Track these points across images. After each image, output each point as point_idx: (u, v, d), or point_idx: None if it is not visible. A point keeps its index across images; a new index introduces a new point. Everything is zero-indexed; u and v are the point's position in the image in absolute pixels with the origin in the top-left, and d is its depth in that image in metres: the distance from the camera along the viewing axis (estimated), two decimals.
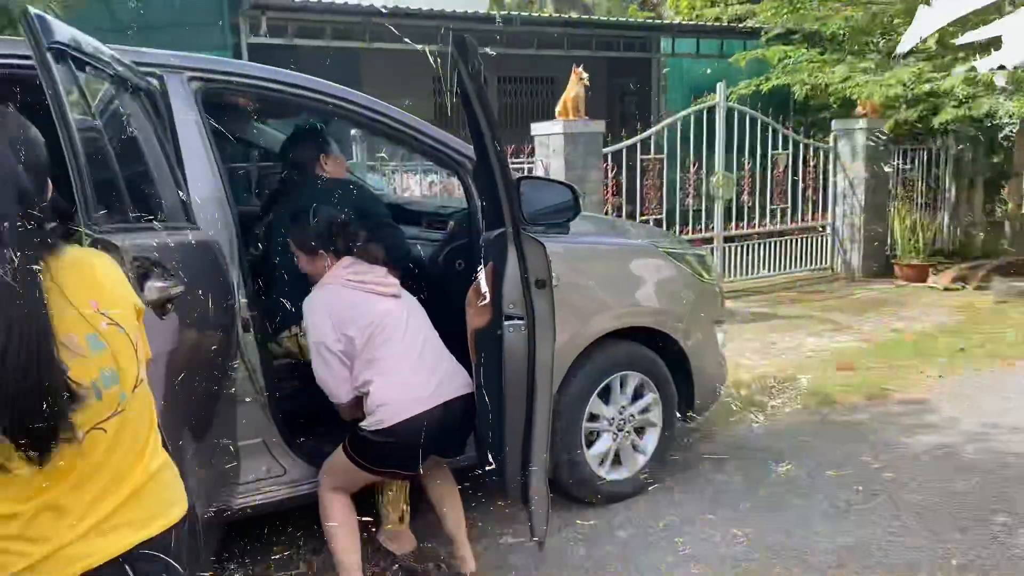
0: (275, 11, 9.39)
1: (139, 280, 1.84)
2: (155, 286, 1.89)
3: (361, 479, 2.95)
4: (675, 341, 3.93)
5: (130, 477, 1.48)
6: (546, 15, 14.41)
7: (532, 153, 8.14)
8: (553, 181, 3.33)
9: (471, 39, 2.39)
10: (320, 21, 9.73)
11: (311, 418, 3.42)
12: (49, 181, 1.53)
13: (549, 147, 7.93)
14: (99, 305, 1.44)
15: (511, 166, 7.93)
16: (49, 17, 1.90)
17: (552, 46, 11.08)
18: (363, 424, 2.83)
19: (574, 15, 15.35)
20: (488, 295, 2.57)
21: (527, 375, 2.48)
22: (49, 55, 1.83)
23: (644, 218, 8.73)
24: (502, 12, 12.10)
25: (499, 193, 2.48)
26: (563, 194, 3.24)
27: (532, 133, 8.15)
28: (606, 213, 8.21)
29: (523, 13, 13.35)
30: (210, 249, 2.74)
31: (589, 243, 3.72)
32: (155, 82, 2.83)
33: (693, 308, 4.00)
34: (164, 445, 1.58)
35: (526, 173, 8.10)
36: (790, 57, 10.17)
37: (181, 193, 2.67)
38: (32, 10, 1.83)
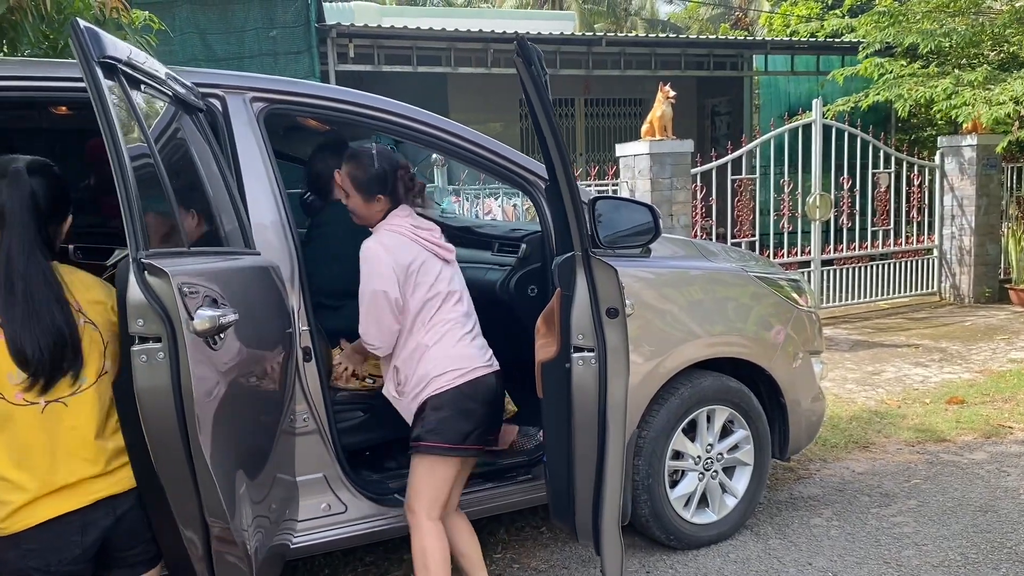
0: (361, 38, 9.48)
1: (188, 307, 1.72)
2: (206, 314, 1.76)
3: (449, 478, 2.71)
4: (768, 373, 3.65)
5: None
6: (635, 36, 14.20)
7: (617, 175, 7.91)
8: (632, 202, 3.10)
9: (535, 46, 2.21)
10: (406, 47, 9.77)
11: (377, 452, 3.28)
12: (70, 215, 1.99)
13: (635, 168, 7.69)
14: (80, 306, 1.88)
15: (594, 188, 7.77)
16: (100, 31, 1.80)
17: (640, 67, 10.86)
18: (433, 390, 2.68)
19: (664, 35, 15.07)
20: (556, 324, 2.36)
21: (598, 413, 2.25)
22: (98, 69, 1.73)
23: (736, 241, 8.39)
24: (589, 34, 11.93)
25: (567, 213, 2.28)
26: (643, 215, 3.02)
27: (617, 154, 7.93)
28: (695, 236, 7.91)
29: (611, 34, 13.15)
30: (268, 274, 2.63)
31: (674, 267, 3.47)
32: (217, 103, 2.75)
33: (787, 337, 3.70)
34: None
35: (611, 194, 7.88)
36: (889, 71, 9.65)
37: (239, 217, 2.57)
38: (81, 23, 1.73)
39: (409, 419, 2.78)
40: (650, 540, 3.52)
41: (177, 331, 1.66)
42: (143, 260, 1.66)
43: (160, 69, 2.15)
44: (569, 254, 2.35)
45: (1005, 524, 3.66)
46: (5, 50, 4.34)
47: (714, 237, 8.08)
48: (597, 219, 3.02)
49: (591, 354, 2.25)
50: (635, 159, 7.68)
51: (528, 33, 10.26)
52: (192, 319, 1.72)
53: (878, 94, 9.40)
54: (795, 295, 3.83)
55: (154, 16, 5.61)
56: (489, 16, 17.00)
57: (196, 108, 2.51)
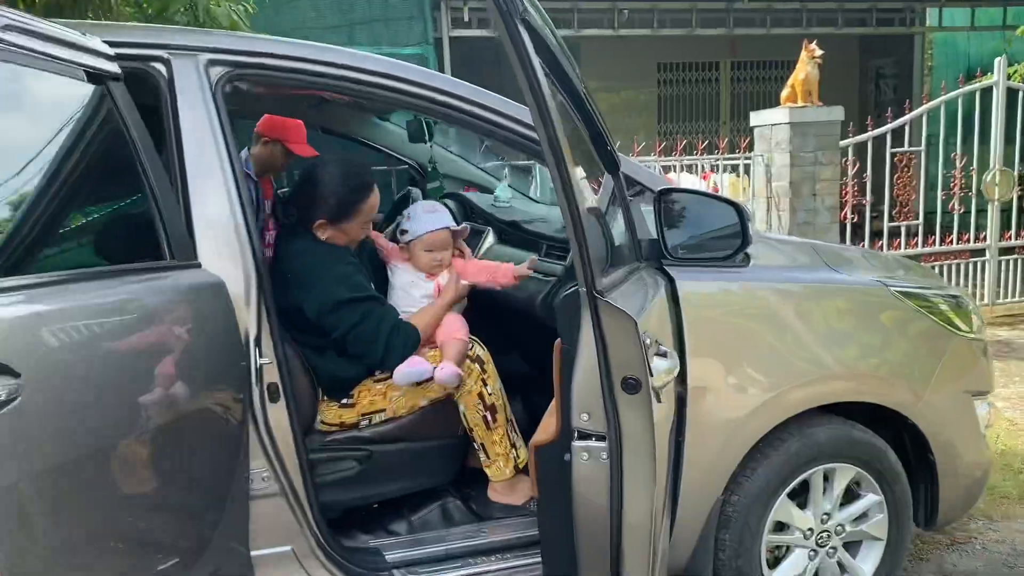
0: (477, 1, 8.82)
1: None
2: None
3: None
4: (910, 421, 2.74)
5: None
6: None
7: (751, 147, 6.91)
8: (713, 197, 2.30)
9: None
10: None
11: (376, 512, 2.63)
12: None
13: (772, 140, 6.67)
14: None
15: (723, 163, 6.80)
16: None
17: (792, 24, 9.67)
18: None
19: None
20: (557, 393, 1.60)
21: (610, 534, 1.48)
22: None
23: (895, 225, 7.19)
24: None
25: (568, 228, 1.49)
26: (727, 215, 2.20)
27: (752, 123, 6.93)
28: (843, 219, 6.83)
29: None
30: (213, 293, 2.02)
31: (781, 281, 2.61)
32: (160, 67, 2.13)
33: (940, 374, 2.77)
34: None
35: (742, 171, 6.90)
36: None
37: (163, 218, 1.96)
38: None
39: None
40: None
41: None
42: None
43: (40, 32, 1.54)
44: (573, 287, 1.57)
45: None
46: (90, 15, 3.99)
47: (866, 219, 6.97)
48: (666, 219, 2.24)
49: (600, 444, 1.47)
50: (772, 129, 6.66)
51: None
52: None
53: None
54: (954, 316, 2.87)
55: None
56: None
57: (107, 75, 1.89)
